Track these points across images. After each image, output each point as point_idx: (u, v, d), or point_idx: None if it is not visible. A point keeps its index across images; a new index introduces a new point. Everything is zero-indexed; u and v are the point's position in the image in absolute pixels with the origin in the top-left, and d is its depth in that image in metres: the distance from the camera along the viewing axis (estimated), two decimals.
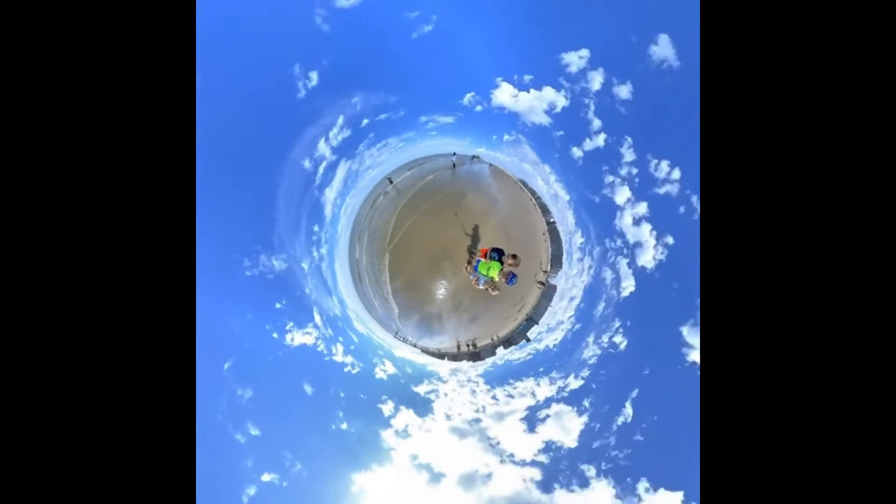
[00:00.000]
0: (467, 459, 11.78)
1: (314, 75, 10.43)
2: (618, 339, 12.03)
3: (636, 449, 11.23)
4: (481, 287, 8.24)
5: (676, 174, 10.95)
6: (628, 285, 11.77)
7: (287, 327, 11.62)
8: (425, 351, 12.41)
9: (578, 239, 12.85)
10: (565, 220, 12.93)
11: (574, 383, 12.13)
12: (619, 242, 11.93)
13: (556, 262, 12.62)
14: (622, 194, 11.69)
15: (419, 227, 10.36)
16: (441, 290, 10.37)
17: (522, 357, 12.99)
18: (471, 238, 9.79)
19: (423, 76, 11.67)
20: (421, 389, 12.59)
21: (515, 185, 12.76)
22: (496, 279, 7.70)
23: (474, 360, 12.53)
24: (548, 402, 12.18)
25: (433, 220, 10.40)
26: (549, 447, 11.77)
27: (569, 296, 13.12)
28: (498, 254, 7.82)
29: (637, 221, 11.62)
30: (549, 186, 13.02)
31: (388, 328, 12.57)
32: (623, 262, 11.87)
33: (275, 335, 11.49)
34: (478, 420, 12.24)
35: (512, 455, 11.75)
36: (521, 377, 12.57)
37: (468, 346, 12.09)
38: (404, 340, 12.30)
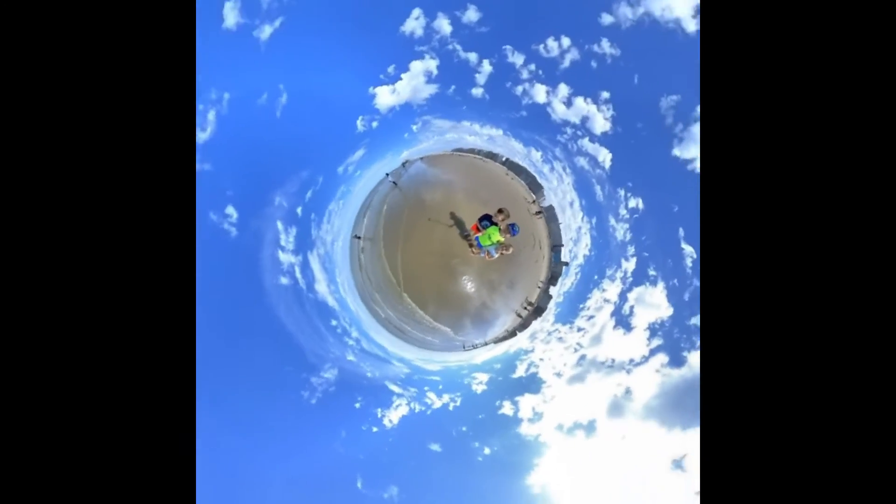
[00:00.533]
0: (601, 392, 11.79)
1: (231, 210, 10.54)
2: (633, 202, 12.10)
3: None
4: (496, 256, 8.20)
5: (566, 42, 11.08)
6: (605, 157, 11.89)
7: (379, 415, 11.64)
8: (498, 340, 12.40)
9: (535, 154, 12.91)
10: (513, 150, 13.00)
11: (629, 265, 12.18)
12: (568, 132, 12.03)
13: (535, 186, 12.64)
14: (540, 95, 11.79)
15: (410, 252, 10.32)
16: (469, 285, 10.32)
17: (574, 281, 13.02)
18: (456, 226, 9.76)
19: (312, 138, 11.77)
20: (520, 372, 12.60)
21: (453, 157, 12.79)
22: (501, 240, 7.63)
23: (540, 315, 12.53)
24: (622, 296, 12.21)
25: (416, 237, 10.37)
26: (654, 329, 11.80)
27: (567, 202, 13.16)
28: (487, 220, 7.76)
29: (569, 103, 11.72)
30: (479, 135, 13.08)
31: (454, 348, 12.56)
32: (585, 141, 11.98)
33: (375, 429, 11.51)
34: (582, 357, 12.25)
35: (632, 360, 11.78)
36: (586, 296, 12.60)
37: (525, 308, 12.09)
38: (475, 347, 12.28)
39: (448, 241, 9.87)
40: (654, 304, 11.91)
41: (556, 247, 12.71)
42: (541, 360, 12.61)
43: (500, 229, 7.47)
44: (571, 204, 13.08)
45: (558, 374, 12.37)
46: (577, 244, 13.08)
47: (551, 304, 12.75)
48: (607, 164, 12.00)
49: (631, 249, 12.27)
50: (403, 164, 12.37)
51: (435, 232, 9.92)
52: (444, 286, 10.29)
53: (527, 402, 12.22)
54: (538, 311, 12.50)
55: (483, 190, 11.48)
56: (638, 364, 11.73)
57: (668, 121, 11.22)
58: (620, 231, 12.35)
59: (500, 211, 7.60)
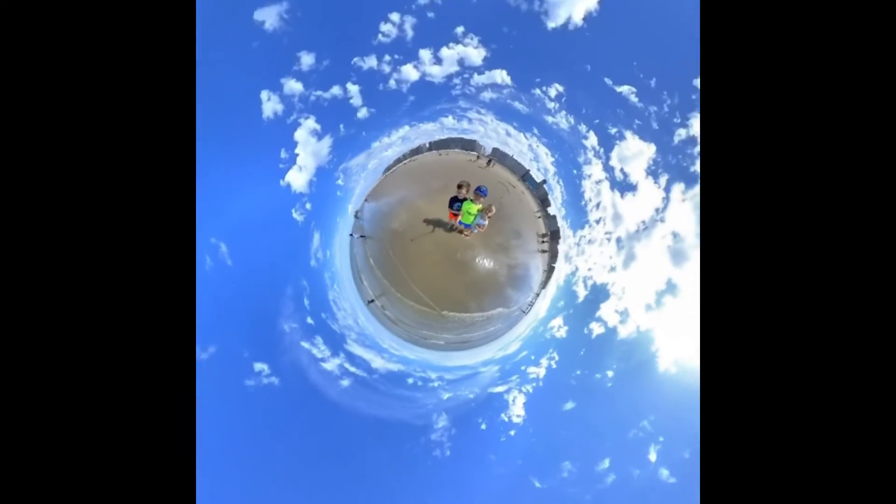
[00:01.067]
0: (656, 255, 11.81)
1: (262, 366, 10.69)
2: (552, 91, 12.14)
3: None
4: (486, 222, 8.19)
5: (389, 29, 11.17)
6: (499, 76, 11.98)
7: (506, 418, 11.76)
8: (544, 283, 12.44)
9: (448, 121, 12.99)
10: (429, 133, 13.07)
11: (592, 140, 12.20)
12: (456, 84, 12.17)
13: (469, 145, 12.67)
14: (410, 73, 11.86)
15: (420, 277, 10.38)
16: (486, 262, 10.38)
17: (561, 189, 13.07)
18: (438, 226, 9.81)
19: (266, 260, 12.08)
20: (581, 292, 12.67)
21: (389, 176, 12.79)
22: (479, 207, 7.69)
23: (558, 238, 12.57)
24: (607, 167, 12.24)
25: (414, 262, 10.43)
26: (653, 171, 11.86)
27: (504, 134, 13.19)
28: (455, 201, 7.86)
29: (438, 60, 11.80)
30: (393, 144, 13.16)
31: (517, 319, 12.62)
32: (475, 79, 12.13)
33: (512, 432, 11.65)
34: (619, 240, 12.27)
35: (657, 208, 11.80)
36: (580, 192, 12.62)
37: (543, 241, 12.13)
38: (531, 304, 12.29)
39: (441, 243, 9.99)
40: (636, 151, 11.93)
41: (524, 176, 12.73)
42: (589, 269, 12.66)
43: (471, 200, 7.52)
44: (508, 133, 13.10)
45: (612, 269, 12.41)
46: (539, 159, 13.12)
47: (560, 221, 12.78)
48: (507, 80, 12.04)
49: (583, 127, 12.29)
50: (356, 216, 12.41)
51: (425, 245, 9.98)
52: (468, 280, 10.32)
53: (608, 311, 12.27)
54: (554, 235, 12.53)
55: (434, 181, 11.48)
56: (664, 208, 11.77)
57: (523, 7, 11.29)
58: (562, 121, 12.36)
59: (459, 186, 7.60)
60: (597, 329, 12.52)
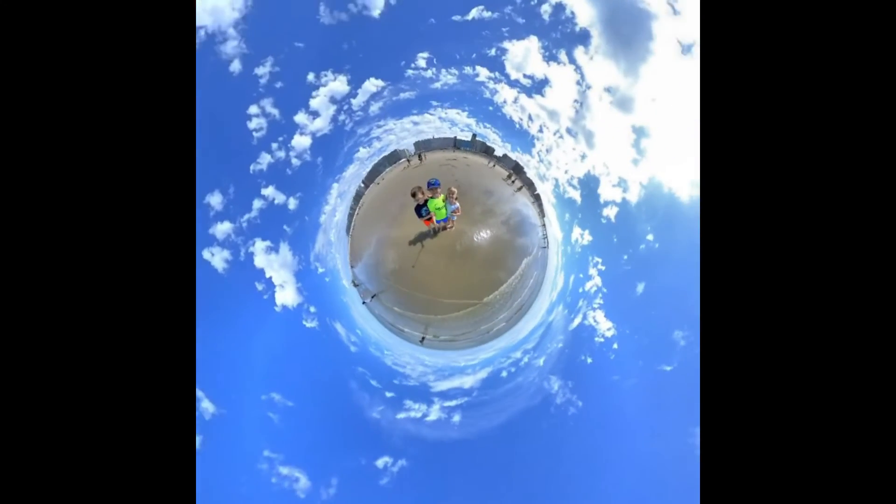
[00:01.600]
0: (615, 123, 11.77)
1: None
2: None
3: None
4: (457, 206, 8.54)
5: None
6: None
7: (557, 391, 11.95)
8: (542, 213, 12.64)
9: (384, 139, 13.15)
10: (365, 160, 13.18)
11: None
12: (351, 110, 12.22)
13: (393, 158, 12.78)
14: (341, 86, 12.03)
15: (438, 290, 10.67)
16: (483, 233, 10.77)
17: (492, 126, 13.11)
18: (427, 237, 10.24)
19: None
20: (573, 196, 12.64)
21: (358, 221, 12.97)
22: (441, 198, 8.06)
23: (522, 170, 12.64)
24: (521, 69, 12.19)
25: (425, 283, 10.82)
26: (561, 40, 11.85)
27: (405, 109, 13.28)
28: (421, 208, 8.22)
29: (357, 83, 11.92)
30: (344, 178, 13.36)
31: (544, 260, 12.80)
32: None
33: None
34: (569, 130, 12.27)
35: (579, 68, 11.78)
36: (508, 118, 12.62)
37: (511, 182, 12.19)
38: (544, 246, 12.71)
39: (437, 249, 10.29)
40: (524, 52, 11.90)
41: (454, 144, 12.87)
42: (566, 172, 12.66)
43: (431, 198, 7.93)
44: (414, 123, 13.15)
45: (583, 156, 12.38)
46: (455, 122, 13.21)
47: (513, 155, 12.90)
48: (379, 84, 12.05)
49: (468, 70, 12.31)
50: (356, 284, 12.74)
51: (426, 261, 10.40)
52: (481, 259, 10.73)
53: (607, 191, 12.19)
54: (517, 169, 12.66)
55: (390, 208, 11.74)
56: (582, 77, 11.71)
57: None
58: (449, 78, 12.36)
59: (413, 195, 7.95)
60: (610, 212, 12.55)
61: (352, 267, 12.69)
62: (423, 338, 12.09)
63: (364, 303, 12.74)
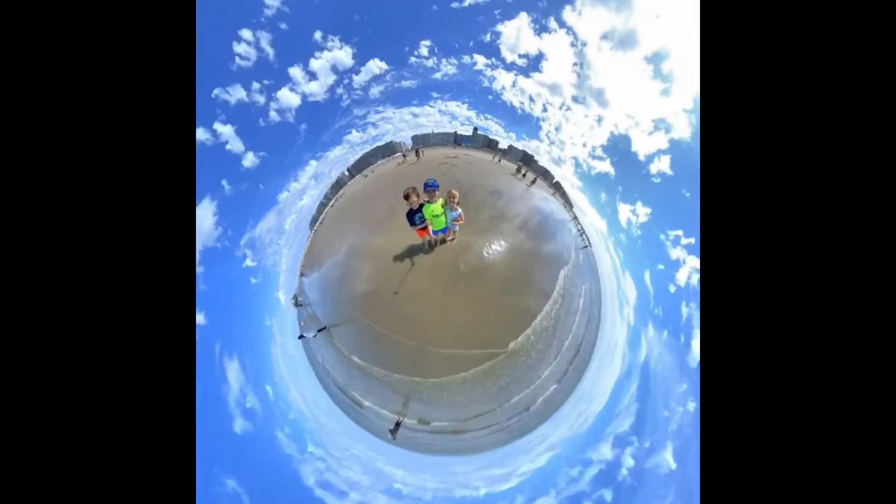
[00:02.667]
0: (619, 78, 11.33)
1: None
2: None
3: None
4: (460, 213, 6.10)
5: None
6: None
7: None
8: (567, 204, 12.22)
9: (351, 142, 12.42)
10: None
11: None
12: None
13: (388, 150, 12.53)
14: (345, 57, 11.62)
15: (433, 335, 6.52)
16: (495, 245, 7.28)
17: (498, 115, 12.31)
18: (416, 255, 6.96)
19: None
20: (606, 169, 12.21)
21: (331, 212, 11.06)
22: (439, 203, 5.99)
23: (531, 160, 12.11)
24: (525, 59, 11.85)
25: (412, 321, 6.77)
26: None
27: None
28: (414, 214, 6.12)
29: (362, 60, 11.27)
30: (303, 188, 12.95)
31: (587, 266, 12.32)
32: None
33: None
34: (575, 98, 11.91)
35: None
36: (510, 106, 12.21)
37: (523, 176, 11.64)
38: (585, 245, 10.30)
39: (432, 270, 6.82)
40: (515, 32, 11.64)
41: (455, 140, 12.31)
42: (584, 145, 11.65)
43: (428, 202, 5.96)
44: (414, 115, 12.89)
45: (599, 120, 11.48)
46: (455, 115, 12.90)
47: (520, 143, 12.30)
48: (383, 66, 11.67)
49: (467, 59, 12.07)
50: (297, 303, 9.15)
51: (416, 286, 6.60)
52: (497, 280, 6.95)
53: (641, 145, 10.60)
54: (526, 159, 11.91)
55: (377, 207, 9.04)
56: (578, 44, 11.05)
57: None
58: (449, 68, 12.12)
59: (406, 197, 5.86)
60: (661, 164, 10.91)
61: (301, 274, 8.71)
62: (399, 423, 6.56)
63: (302, 337, 7.62)
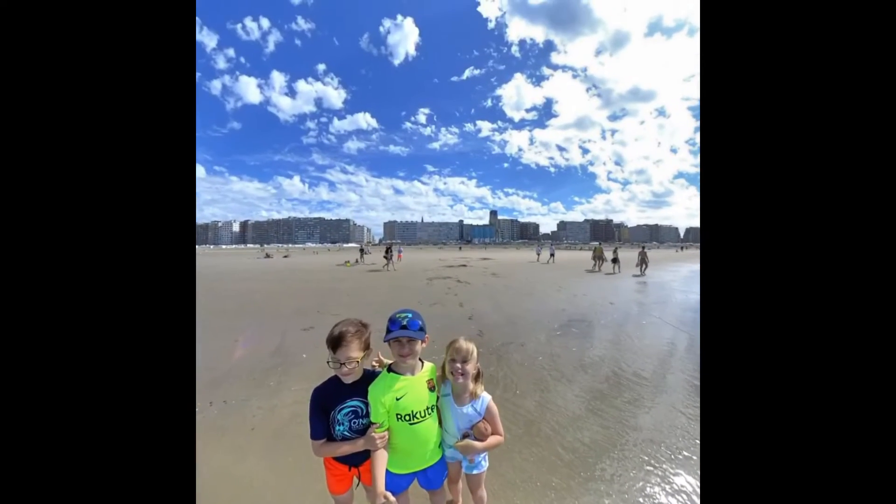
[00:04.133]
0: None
1: None
2: None
3: None
4: (482, 423, 1.79)
5: None
6: None
7: None
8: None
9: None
10: None
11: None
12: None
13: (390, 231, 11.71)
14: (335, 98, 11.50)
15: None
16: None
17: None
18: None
19: None
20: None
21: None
22: (435, 377, 1.84)
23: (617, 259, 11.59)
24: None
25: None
26: None
27: None
28: (346, 410, 1.73)
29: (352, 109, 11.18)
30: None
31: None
32: None
33: None
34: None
35: None
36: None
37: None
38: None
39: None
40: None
41: (465, 229, 10.89)
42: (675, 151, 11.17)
43: (392, 372, 1.75)
44: (397, 190, 12.75)
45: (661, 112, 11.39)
46: (446, 174, 12.68)
47: (571, 215, 11.23)
48: (372, 123, 11.66)
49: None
50: None
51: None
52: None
53: None
54: (609, 229, 10.08)
55: (274, 332, 6.14)
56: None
57: None
58: (448, 137, 12.01)
59: (335, 343, 1.65)
60: None
61: None
62: None
63: None
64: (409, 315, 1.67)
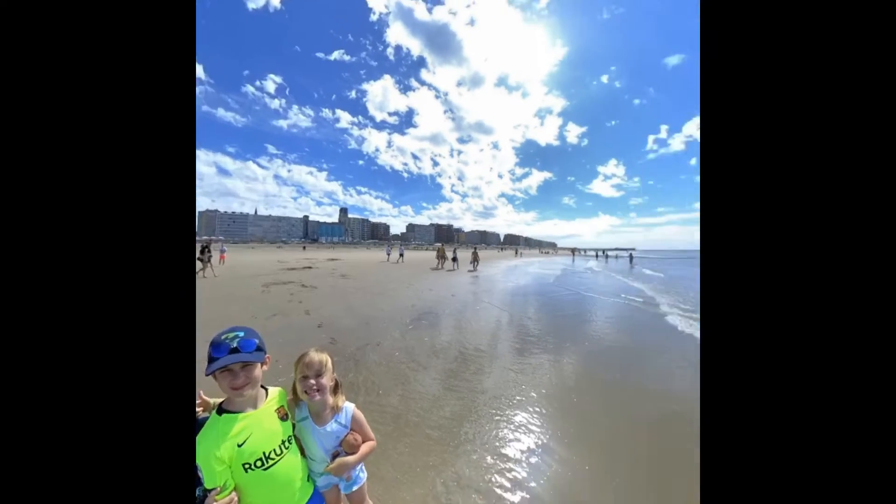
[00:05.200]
0: None
1: None
2: None
3: None
4: (343, 456, 1.58)
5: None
6: None
7: None
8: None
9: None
10: None
11: None
12: None
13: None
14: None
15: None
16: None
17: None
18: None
19: None
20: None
21: None
22: (274, 407, 1.47)
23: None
24: None
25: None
26: None
27: None
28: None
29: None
30: None
31: None
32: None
33: None
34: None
35: None
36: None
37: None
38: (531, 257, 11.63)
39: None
40: None
41: (311, 226, 11.35)
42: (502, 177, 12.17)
43: (227, 409, 1.39)
44: None
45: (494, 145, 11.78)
46: (292, 160, 12.87)
47: (420, 219, 12.42)
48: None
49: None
50: None
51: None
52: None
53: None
54: (442, 234, 12.09)
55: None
56: None
57: None
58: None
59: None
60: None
61: None
62: None
63: None
64: (241, 334, 1.36)
